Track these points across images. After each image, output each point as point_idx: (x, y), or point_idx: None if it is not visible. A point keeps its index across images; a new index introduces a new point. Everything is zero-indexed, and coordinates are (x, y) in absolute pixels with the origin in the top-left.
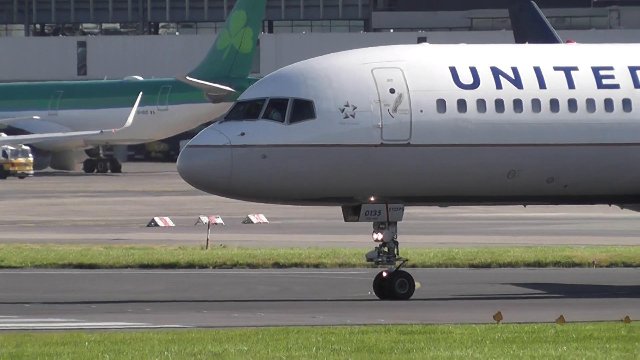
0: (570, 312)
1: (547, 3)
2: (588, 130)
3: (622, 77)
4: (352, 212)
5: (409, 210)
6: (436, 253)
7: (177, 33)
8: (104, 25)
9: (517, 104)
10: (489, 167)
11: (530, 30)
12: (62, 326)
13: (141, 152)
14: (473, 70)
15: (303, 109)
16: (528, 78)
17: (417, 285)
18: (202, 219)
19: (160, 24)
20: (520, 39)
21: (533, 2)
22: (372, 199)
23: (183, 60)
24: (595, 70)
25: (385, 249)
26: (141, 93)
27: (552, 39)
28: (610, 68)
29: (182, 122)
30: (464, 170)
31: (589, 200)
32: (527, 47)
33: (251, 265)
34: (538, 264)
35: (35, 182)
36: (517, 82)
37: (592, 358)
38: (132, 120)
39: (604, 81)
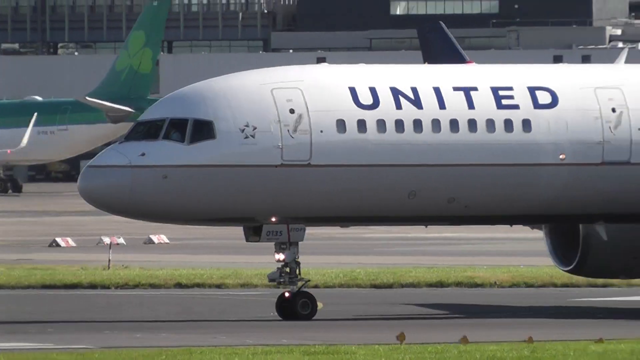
0: (474, 333)
1: (446, 23)
2: (488, 151)
3: (522, 98)
4: (254, 232)
5: (310, 230)
6: (338, 273)
7: (76, 53)
8: (3, 46)
9: (417, 124)
10: (389, 187)
11: (440, 52)
12: None
13: (42, 173)
14: (373, 91)
15: (203, 129)
16: (428, 98)
17: (320, 305)
18: (104, 239)
19: (60, 45)
20: (429, 60)
21: (441, 23)
22: (273, 219)
23: (83, 80)
24: (495, 90)
25: (287, 270)
26: (36, 114)
27: (462, 61)
28: (510, 88)
29: (82, 142)
30: (365, 191)
31: (490, 221)
32: (427, 67)
33: (153, 286)
34: (440, 285)
35: None
36: (416, 102)
37: None
38: (27, 141)
39: (504, 101)
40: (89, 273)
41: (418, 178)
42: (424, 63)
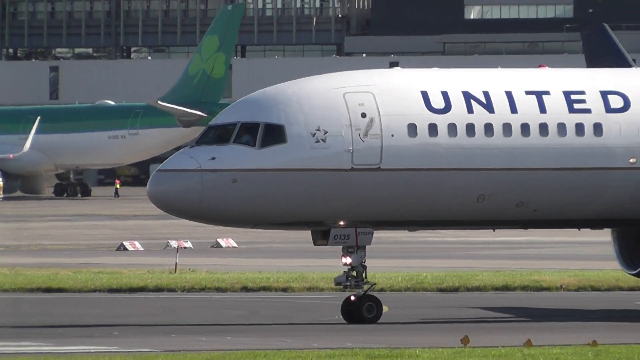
0: (538, 336)
1: (520, 28)
2: (559, 155)
3: (594, 102)
4: (321, 236)
5: (377, 234)
6: (404, 277)
7: (149, 57)
8: (77, 50)
9: (488, 129)
10: (458, 191)
11: (603, 54)
12: (30, 350)
13: (111, 177)
14: (445, 95)
15: (274, 134)
16: (499, 102)
17: (385, 309)
18: (171, 243)
19: (133, 49)
20: (592, 63)
21: (605, 25)
22: (342, 223)
23: (155, 84)
24: (567, 94)
25: (354, 273)
26: (39, 118)
27: (624, 63)
28: (582, 92)
29: (153, 146)
30: (434, 195)
31: (559, 225)
32: (499, 71)
33: (219, 289)
34: (506, 288)
35: (4, 206)
36: (488, 106)
37: None
38: (29, 145)
39: (576, 105)
40: (156, 277)
41: (488, 182)
42: (587, 66)
